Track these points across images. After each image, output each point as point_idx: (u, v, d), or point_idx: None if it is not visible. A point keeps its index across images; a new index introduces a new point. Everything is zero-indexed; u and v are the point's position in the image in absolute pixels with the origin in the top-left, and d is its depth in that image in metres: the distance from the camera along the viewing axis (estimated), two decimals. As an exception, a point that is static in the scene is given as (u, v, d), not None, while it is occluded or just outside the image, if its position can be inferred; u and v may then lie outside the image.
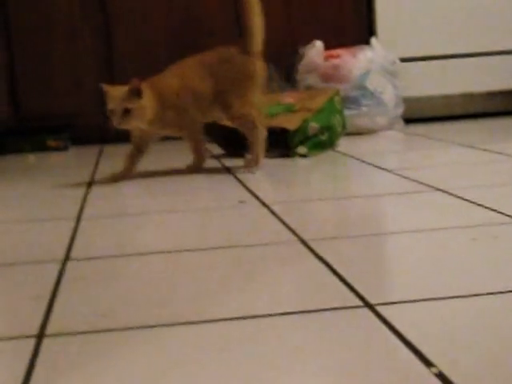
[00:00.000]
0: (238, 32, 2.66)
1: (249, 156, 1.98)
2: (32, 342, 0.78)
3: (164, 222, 1.39)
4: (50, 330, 0.82)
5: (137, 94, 1.80)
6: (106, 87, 1.84)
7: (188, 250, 1.15)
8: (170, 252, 1.15)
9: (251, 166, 1.93)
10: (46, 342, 0.78)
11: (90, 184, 1.87)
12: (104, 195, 1.72)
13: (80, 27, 2.78)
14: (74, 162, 2.48)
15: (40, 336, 0.80)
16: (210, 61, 1.92)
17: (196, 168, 1.99)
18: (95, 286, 0.98)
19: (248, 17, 1.91)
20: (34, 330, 0.81)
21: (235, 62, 1.91)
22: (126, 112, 1.79)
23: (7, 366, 0.72)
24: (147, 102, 1.83)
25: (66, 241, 1.26)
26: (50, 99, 2.75)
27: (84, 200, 1.66)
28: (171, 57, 2.61)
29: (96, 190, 1.79)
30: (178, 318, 0.84)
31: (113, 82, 2.45)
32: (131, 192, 1.77)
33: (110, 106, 1.80)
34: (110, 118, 1.80)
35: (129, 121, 1.80)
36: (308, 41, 2.69)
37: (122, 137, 2.81)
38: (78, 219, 1.44)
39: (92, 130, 2.83)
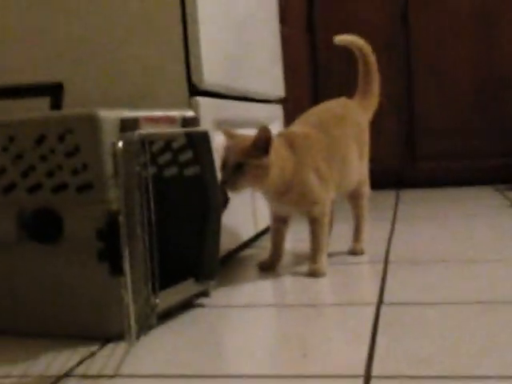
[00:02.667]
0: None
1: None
2: (359, 381, 0.82)
3: (466, 271, 1.37)
4: (375, 371, 0.85)
5: (263, 147, 1.34)
6: (226, 133, 1.41)
7: (503, 302, 1.13)
8: (484, 302, 1.13)
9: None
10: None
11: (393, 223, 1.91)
12: (406, 239, 1.75)
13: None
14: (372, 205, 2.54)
15: (367, 377, 0.83)
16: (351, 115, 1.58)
17: (268, 265, 1.51)
18: (411, 332, 1.00)
19: (373, 76, 1.67)
20: (361, 371, 0.85)
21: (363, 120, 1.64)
22: (239, 169, 1.33)
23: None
24: (273, 160, 1.36)
25: (377, 284, 1.30)
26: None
27: (389, 242, 1.70)
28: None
29: (398, 232, 1.82)
30: (496, 371, 0.82)
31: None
32: (420, 237, 1.78)
33: (223, 158, 1.37)
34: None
35: (240, 182, 1.34)
36: None
37: (418, 182, 2.84)
38: (386, 262, 1.48)
39: (388, 173, 2.88)
